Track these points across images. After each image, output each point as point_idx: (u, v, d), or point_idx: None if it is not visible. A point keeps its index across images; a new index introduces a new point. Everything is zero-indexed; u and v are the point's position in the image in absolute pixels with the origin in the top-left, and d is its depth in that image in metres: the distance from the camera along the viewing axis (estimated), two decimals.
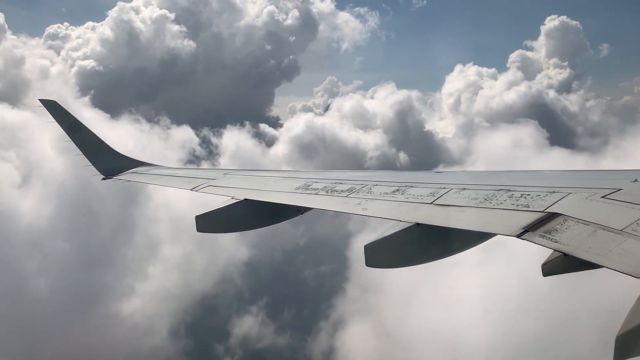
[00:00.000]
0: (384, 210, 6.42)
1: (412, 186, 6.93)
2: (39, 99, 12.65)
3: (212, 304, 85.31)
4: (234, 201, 8.27)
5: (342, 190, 7.50)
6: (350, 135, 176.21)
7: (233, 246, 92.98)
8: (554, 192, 5.49)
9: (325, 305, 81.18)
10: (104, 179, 12.85)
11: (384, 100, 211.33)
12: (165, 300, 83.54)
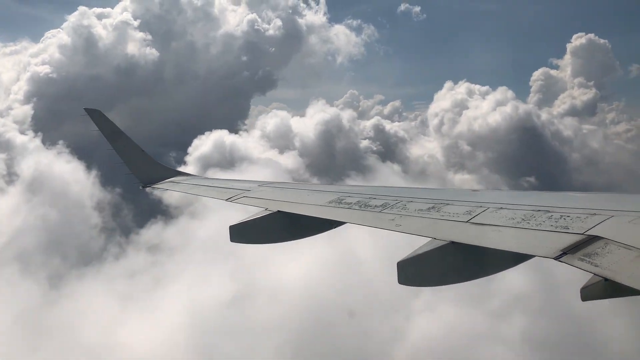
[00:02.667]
0: (419, 227, 6.35)
1: (447, 204, 6.84)
2: (84, 108, 13.09)
3: None
4: (267, 212, 8.34)
5: (375, 205, 7.46)
6: (263, 157, 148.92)
7: None
8: (595, 214, 5.33)
9: None
10: (142, 187, 13.17)
11: (311, 119, 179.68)
12: None
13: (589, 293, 5.41)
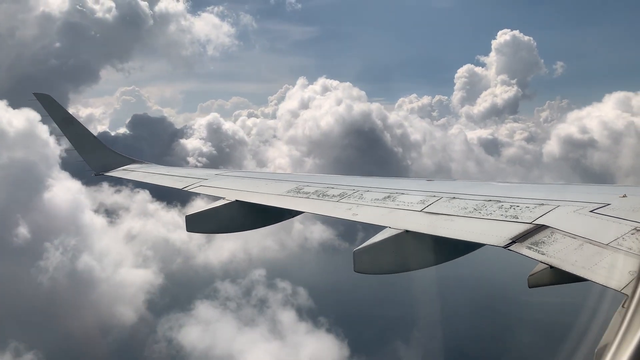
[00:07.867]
0: (375, 216, 6.45)
1: (403, 193, 6.97)
2: (33, 93, 12.57)
3: None
4: (225, 202, 8.27)
5: (333, 195, 7.52)
6: None
7: None
8: (542, 204, 5.54)
9: None
10: (95, 174, 12.81)
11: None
12: None
13: (536, 280, 5.63)
